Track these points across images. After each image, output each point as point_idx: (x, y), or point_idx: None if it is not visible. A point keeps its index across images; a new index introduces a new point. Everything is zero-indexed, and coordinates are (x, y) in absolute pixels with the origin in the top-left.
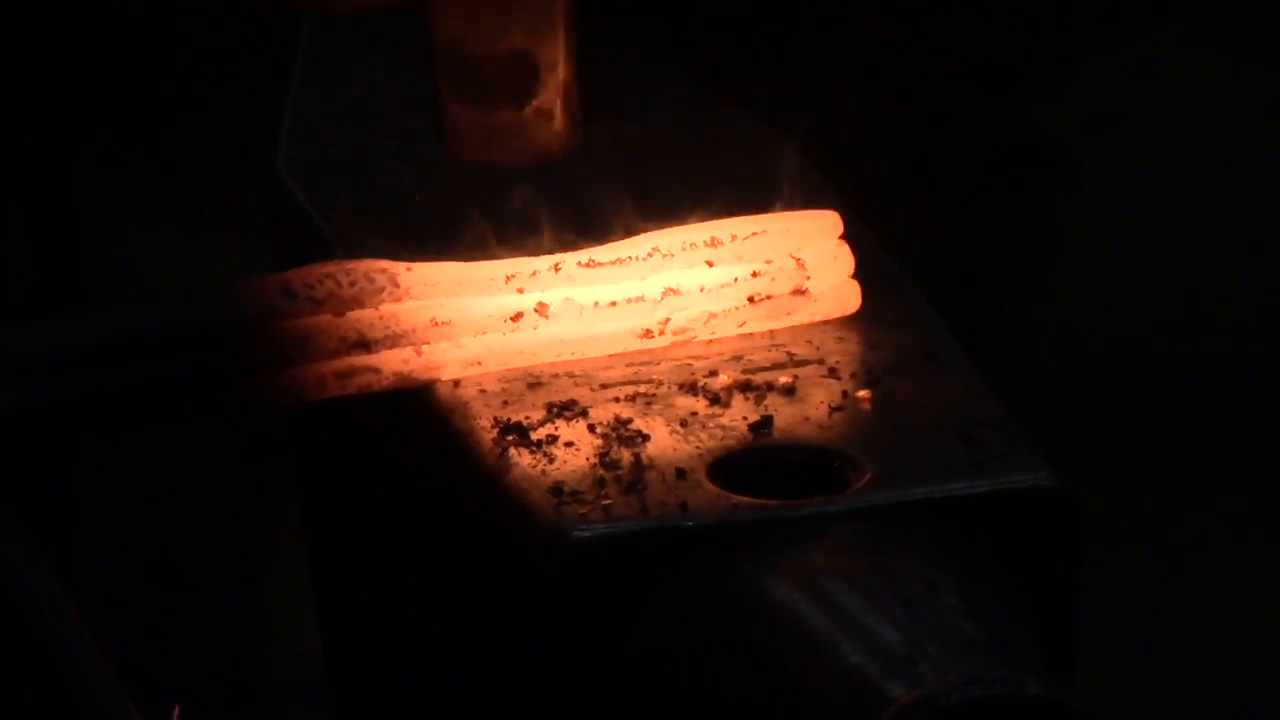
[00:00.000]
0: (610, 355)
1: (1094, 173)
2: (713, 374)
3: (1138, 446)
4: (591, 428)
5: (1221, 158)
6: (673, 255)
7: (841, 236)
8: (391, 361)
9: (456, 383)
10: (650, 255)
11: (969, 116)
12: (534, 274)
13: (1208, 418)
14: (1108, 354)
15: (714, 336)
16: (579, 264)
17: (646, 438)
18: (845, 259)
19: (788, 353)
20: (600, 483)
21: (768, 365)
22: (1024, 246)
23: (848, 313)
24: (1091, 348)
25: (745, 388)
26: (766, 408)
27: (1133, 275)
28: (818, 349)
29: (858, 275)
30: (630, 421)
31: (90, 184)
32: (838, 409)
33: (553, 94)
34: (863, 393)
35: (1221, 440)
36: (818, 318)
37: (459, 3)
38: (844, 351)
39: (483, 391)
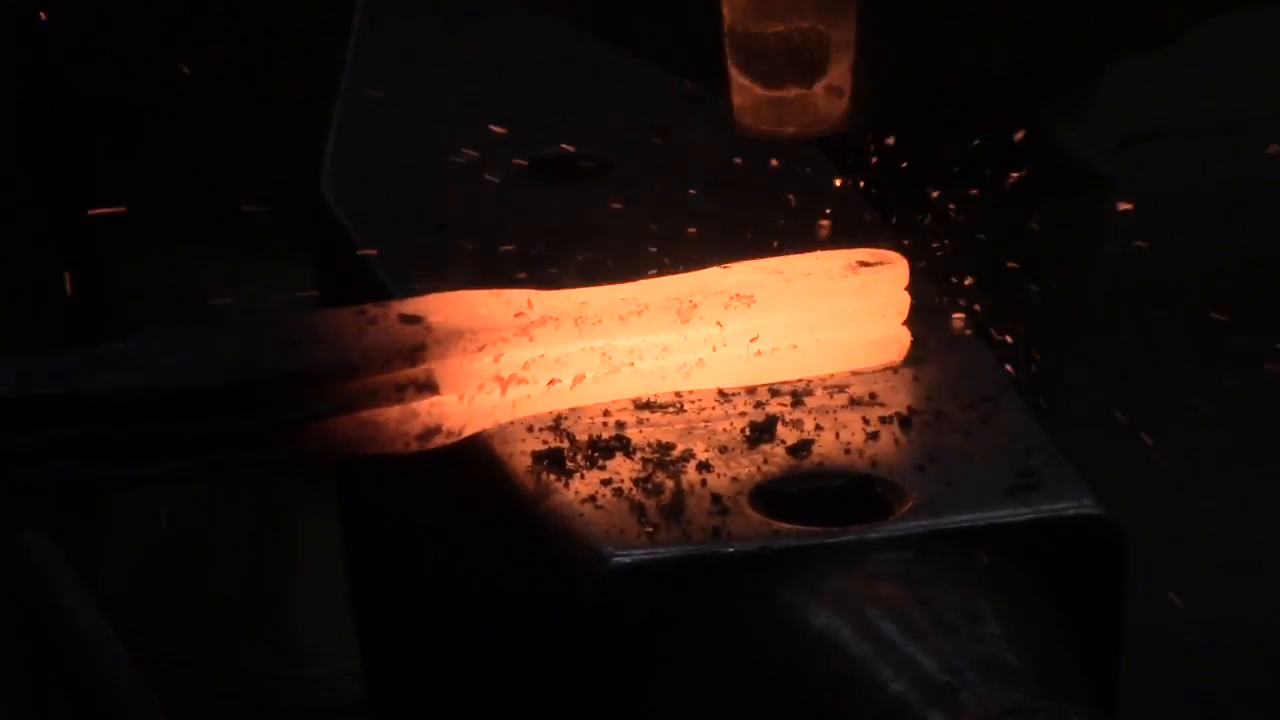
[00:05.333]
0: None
1: (1121, 191)
2: (757, 405)
3: (1164, 467)
4: (632, 453)
5: (1249, 176)
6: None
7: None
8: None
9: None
10: (695, 302)
11: (995, 135)
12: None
13: (1239, 438)
14: (1135, 373)
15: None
16: (626, 311)
17: (688, 463)
18: (902, 309)
19: (832, 380)
20: (641, 509)
21: (811, 392)
22: (1050, 265)
23: (890, 364)
24: (1118, 365)
25: (787, 413)
26: (808, 433)
27: (1160, 294)
28: (861, 376)
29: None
30: (672, 447)
31: (111, 203)
32: (879, 436)
33: (843, 71)
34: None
35: (1255, 459)
36: (858, 366)
37: None
38: (887, 379)
39: (521, 417)
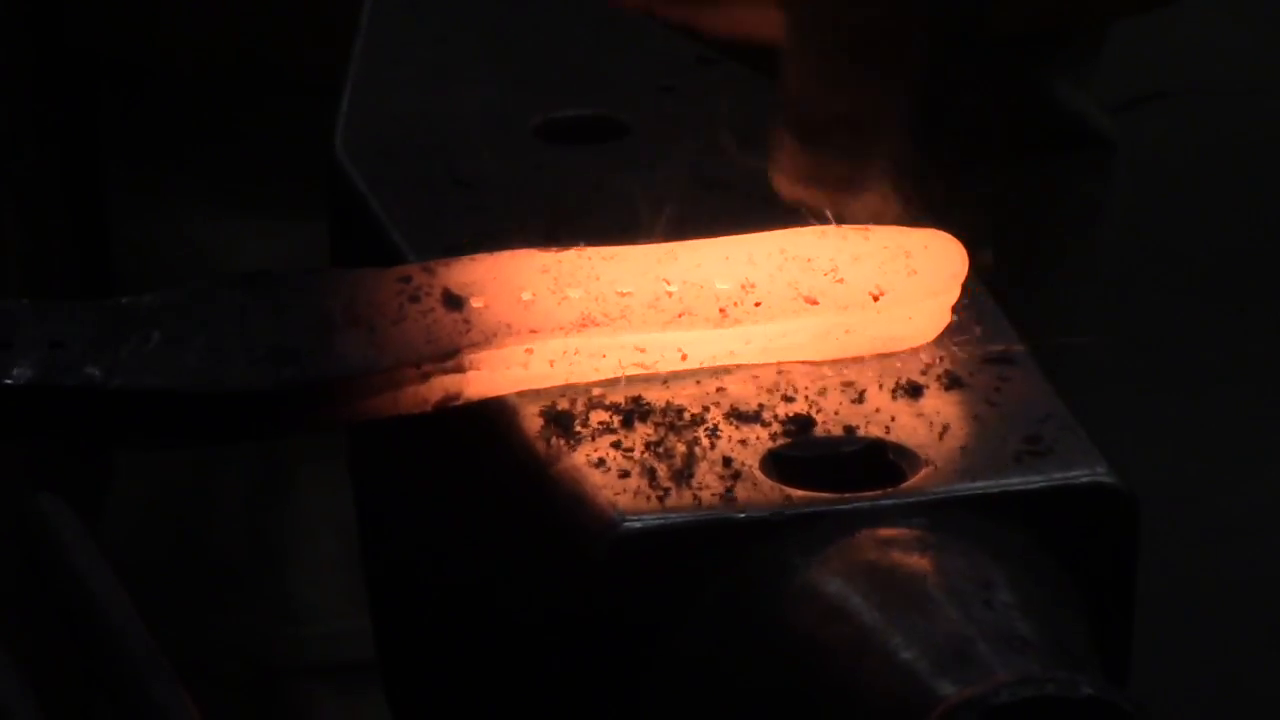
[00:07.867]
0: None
1: (1126, 153)
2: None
3: (1169, 429)
4: (644, 416)
5: (1258, 138)
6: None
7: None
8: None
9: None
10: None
11: (994, 94)
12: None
13: (1242, 400)
14: (1138, 338)
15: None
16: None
17: (699, 428)
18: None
19: None
20: (652, 472)
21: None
22: (1052, 227)
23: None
24: (1121, 331)
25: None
26: (821, 399)
27: (1164, 257)
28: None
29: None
30: (683, 411)
31: (113, 156)
32: (893, 401)
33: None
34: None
35: (1257, 421)
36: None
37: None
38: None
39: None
